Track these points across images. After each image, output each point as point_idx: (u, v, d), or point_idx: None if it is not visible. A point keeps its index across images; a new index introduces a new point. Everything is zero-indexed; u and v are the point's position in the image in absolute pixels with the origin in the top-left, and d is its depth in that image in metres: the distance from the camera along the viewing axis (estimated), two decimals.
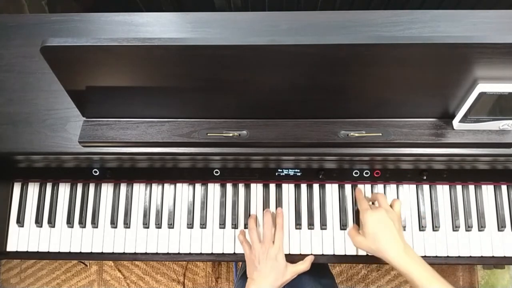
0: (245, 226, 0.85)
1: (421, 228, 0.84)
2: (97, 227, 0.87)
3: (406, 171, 0.86)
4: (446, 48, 0.55)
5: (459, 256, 0.83)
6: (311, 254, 0.83)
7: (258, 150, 0.75)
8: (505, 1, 1.09)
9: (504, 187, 0.86)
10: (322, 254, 0.84)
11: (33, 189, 0.88)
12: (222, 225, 0.86)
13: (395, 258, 0.69)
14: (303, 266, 0.79)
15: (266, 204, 0.86)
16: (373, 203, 0.83)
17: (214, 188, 0.88)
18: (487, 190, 0.86)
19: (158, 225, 0.86)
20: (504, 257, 0.83)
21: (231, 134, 0.73)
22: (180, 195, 0.88)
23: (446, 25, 0.80)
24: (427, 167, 0.85)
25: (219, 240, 0.85)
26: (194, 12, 0.83)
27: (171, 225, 0.86)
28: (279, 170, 0.86)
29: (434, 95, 0.67)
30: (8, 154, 0.78)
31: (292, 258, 0.82)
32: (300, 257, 0.83)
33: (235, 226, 0.86)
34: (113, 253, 0.86)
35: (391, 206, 0.79)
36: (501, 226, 0.84)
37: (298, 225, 0.85)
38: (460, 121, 0.69)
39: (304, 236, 0.85)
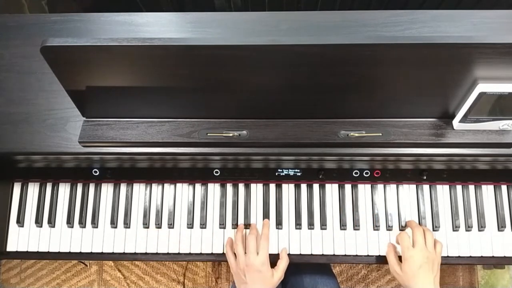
0: (245, 226, 0.85)
1: None
2: (97, 227, 0.86)
3: (406, 171, 0.86)
4: (446, 48, 0.55)
5: (459, 256, 0.83)
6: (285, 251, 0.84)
7: (258, 150, 0.75)
8: (505, 1, 1.09)
9: (504, 187, 0.86)
10: (322, 254, 0.84)
11: (33, 189, 0.88)
12: (222, 225, 0.86)
13: None
14: (284, 263, 0.80)
15: (266, 204, 0.86)
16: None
17: (214, 188, 0.88)
18: (487, 190, 0.86)
19: (158, 225, 0.86)
20: (504, 257, 0.83)
21: (231, 134, 0.73)
22: (180, 195, 0.88)
23: (446, 25, 0.80)
24: (427, 167, 0.85)
25: (219, 240, 0.85)
26: (194, 12, 0.83)
27: (171, 225, 0.86)
28: (279, 170, 0.86)
29: (434, 95, 0.67)
30: (8, 154, 0.78)
31: (292, 258, 0.82)
32: (300, 257, 0.84)
33: (235, 226, 0.86)
34: (113, 253, 0.86)
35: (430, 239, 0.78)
36: (501, 226, 0.84)
37: (298, 225, 0.85)
38: (460, 121, 0.69)
39: (304, 236, 0.85)
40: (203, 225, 0.86)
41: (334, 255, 0.84)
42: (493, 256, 0.83)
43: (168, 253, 0.85)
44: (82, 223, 0.86)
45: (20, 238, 0.87)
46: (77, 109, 0.73)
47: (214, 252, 0.85)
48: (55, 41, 0.56)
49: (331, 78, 0.62)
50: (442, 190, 0.86)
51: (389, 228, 0.84)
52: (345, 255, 0.84)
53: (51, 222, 0.87)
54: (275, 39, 0.55)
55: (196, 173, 0.87)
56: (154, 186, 0.88)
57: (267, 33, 0.80)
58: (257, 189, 0.87)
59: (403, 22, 0.80)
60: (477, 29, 0.79)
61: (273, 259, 0.81)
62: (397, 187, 0.87)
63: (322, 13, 0.83)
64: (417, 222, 0.84)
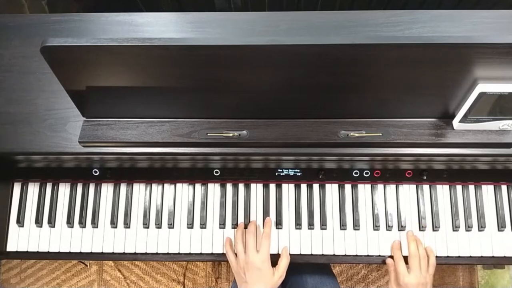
0: (245, 226, 0.85)
1: (421, 228, 0.84)
2: (97, 227, 0.86)
3: (406, 171, 0.86)
4: (446, 48, 0.55)
5: (459, 256, 0.83)
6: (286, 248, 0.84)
7: (258, 150, 0.75)
8: (505, 1, 1.09)
9: (504, 187, 0.86)
10: (322, 254, 0.84)
11: (33, 189, 0.88)
12: (222, 225, 0.86)
13: None
14: (285, 262, 0.79)
15: (266, 204, 0.86)
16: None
17: (214, 188, 0.88)
18: (487, 190, 0.86)
19: (158, 225, 0.86)
20: (504, 257, 0.83)
21: (231, 134, 0.73)
22: (180, 195, 0.88)
23: (446, 25, 0.80)
24: (427, 167, 0.85)
25: (219, 240, 0.85)
26: (194, 12, 0.83)
27: (171, 225, 0.86)
28: (279, 170, 0.86)
29: (434, 95, 0.67)
30: (8, 154, 0.78)
31: (292, 258, 0.82)
32: (300, 257, 0.84)
33: (235, 226, 0.86)
34: (113, 253, 0.86)
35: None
36: (501, 226, 0.84)
37: (298, 225, 0.85)
38: (460, 121, 0.69)
39: (304, 236, 0.85)
40: (203, 225, 0.86)
41: (334, 255, 0.84)
42: (493, 256, 0.83)
43: (168, 253, 0.85)
44: (82, 223, 0.86)
45: (20, 238, 0.87)
46: (77, 109, 0.73)
47: (214, 252, 0.85)
48: (55, 41, 0.56)
49: (331, 78, 0.62)
50: (442, 190, 0.86)
51: (389, 228, 0.84)
52: (345, 255, 0.84)
53: (51, 222, 0.87)
54: (275, 39, 0.55)
55: (196, 173, 0.87)
56: (154, 186, 0.88)
57: (267, 33, 0.80)
58: (257, 189, 0.87)
59: (403, 22, 0.80)
60: (477, 29, 0.79)
61: (274, 259, 0.81)
62: (397, 187, 0.87)
63: (322, 13, 0.83)
64: (417, 222, 0.85)
